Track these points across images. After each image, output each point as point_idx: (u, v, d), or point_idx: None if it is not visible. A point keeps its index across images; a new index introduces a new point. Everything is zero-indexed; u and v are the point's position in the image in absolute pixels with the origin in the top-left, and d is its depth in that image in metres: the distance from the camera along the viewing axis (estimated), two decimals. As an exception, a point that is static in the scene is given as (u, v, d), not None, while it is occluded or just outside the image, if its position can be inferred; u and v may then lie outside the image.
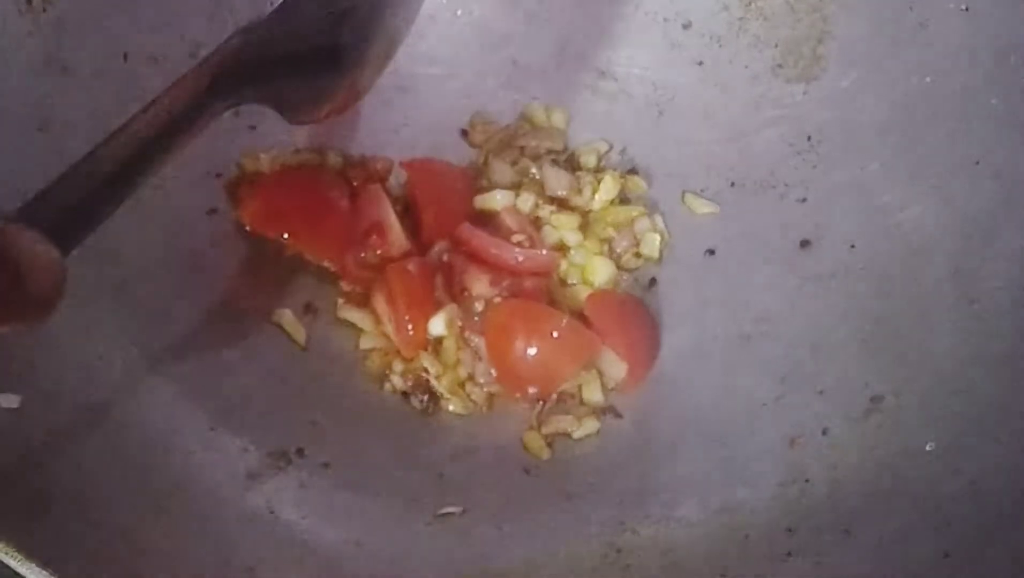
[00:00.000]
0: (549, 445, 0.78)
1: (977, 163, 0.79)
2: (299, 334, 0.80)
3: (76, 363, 0.71)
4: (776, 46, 0.88)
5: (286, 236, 0.81)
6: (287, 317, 0.80)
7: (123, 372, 0.72)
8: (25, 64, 0.75)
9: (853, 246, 0.82)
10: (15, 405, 0.64)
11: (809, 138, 0.86)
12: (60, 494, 0.63)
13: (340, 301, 0.81)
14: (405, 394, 0.79)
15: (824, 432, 0.76)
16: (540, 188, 0.86)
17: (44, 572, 0.55)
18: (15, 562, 0.55)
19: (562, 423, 0.78)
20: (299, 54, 0.59)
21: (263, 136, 0.86)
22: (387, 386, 0.79)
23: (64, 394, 0.68)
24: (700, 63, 0.90)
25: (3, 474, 0.61)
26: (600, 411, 0.79)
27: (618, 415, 0.79)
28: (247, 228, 0.82)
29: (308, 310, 0.81)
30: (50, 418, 0.66)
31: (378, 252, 0.80)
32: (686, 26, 0.90)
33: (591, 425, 0.78)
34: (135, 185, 0.47)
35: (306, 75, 0.60)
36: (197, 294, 0.78)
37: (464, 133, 0.90)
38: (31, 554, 0.55)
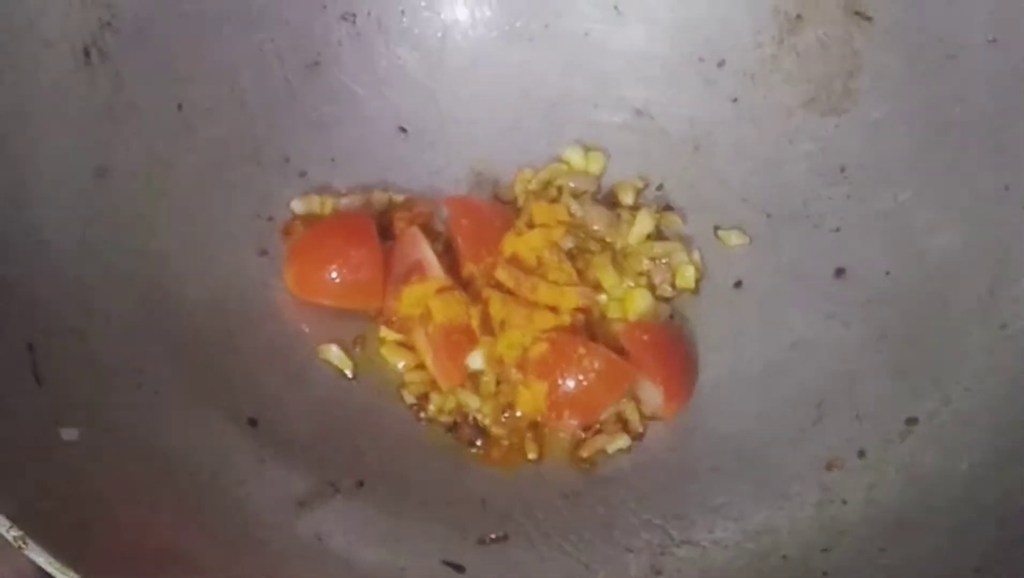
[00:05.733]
0: (588, 471, 0.79)
1: (1007, 188, 0.80)
2: (347, 366, 0.82)
3: (130, 400, 0.74)
4: (809, 81, 0.90)
5: (326, 301, 0.84)
6: (333, 352, 0.83)
7: (175, 407, 0.75)
8: (84, 114, 0.80)
9: (887, 273, 0.83)
10: (75, 437, 0.68)
11: (842, 169, 0.88)
12: (115, 518, 0.66)
13: (382, 336, 0.84)
14: (453, 426, 0.81)
15: (860, 454, 0.77)
16: (579, 225, 0.88)
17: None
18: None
19: (597, 442, 0.80)
20: None
21: (313, 181, 0.90)
22: (422, 416, 0.81)
23: (119, 428, 0.71)
24: (735, 100, 0.92)
25: (61, 500, 0.64)
26: (635, 435, 0.81)
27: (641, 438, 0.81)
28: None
29: (357, 342, 0.84)
30: (105, 449, 0.69)
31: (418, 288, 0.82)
32: (720, 64, 0.92)
33: (623, 440, 0.80)
34: None
35: None
36: (247, 331, 0.82)
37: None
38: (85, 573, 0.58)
